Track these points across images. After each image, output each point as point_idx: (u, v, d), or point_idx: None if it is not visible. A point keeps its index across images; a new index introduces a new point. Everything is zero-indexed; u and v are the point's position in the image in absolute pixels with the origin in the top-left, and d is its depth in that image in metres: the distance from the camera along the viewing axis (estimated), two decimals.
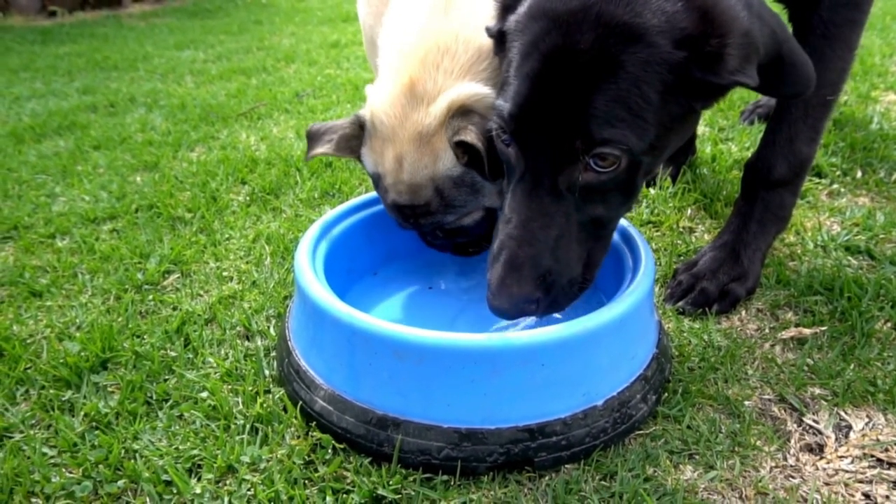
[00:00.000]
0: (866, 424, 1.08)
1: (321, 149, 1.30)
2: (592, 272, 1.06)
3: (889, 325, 1.29)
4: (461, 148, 1.19)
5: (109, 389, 1.20)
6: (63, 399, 1.18)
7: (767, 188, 1.39)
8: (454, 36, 1.23)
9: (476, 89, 1.21)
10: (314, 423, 1.06)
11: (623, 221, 1.27)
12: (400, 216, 1.30)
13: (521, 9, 1.02)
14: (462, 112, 1.20)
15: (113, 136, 2.53)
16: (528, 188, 1.00)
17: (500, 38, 1.07)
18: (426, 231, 1.36)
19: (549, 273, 0.99)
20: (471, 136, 1.15)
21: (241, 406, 1.13)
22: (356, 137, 1.30)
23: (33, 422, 1.14)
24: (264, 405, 1.11)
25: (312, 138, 1.33)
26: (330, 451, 1.03)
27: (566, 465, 1.00)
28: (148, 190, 2.01)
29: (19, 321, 1.40)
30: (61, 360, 1.25)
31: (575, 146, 0.94)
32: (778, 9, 1.38)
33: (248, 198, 1.95)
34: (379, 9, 1.45)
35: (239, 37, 4.41)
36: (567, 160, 0.96)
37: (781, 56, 0.99)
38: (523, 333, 0.97)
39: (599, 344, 1.00)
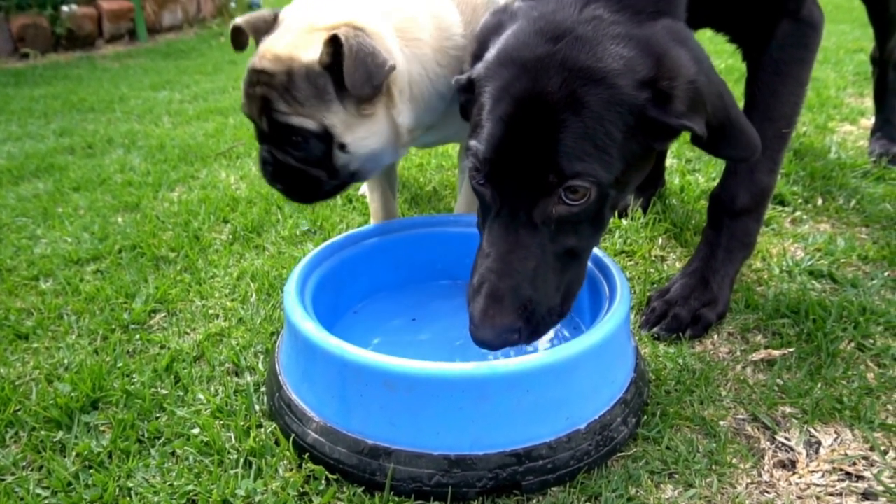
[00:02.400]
0: (835, 440, 1.13)
1: (239, 20, 1.41)
2: (569, 302, 1.12)
3: (852, 345, 1.36)
4: (331, 47, 1.24)
5: (101, 429, 1.22)
6: (54, 440, 1.19)
7: (732, 217, 1.47)
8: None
9: (383, 27, 1.31)
10: (307, 455, 1.08)
11: (598, 252, 1.33)
12: (247, 81, 1.32)
13: (489, 56, 1.09)
14: (355, 27, 1.26)
15: (92, 177, 2.55)
16: (504, 223, 1.05)
17: (468, 85, 1.14)
18: (254, 116, 1.35)
19: (530, 302, 1.04)
20: (349, 40, 1.22)
21: (233, 441, 1.15)
22: (268, 23, 1.39)
23: (24, 463, 1.15)
24: (257, 439, 1.14)
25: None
26: (323, 482, 1.05)
27: (552, 488, 1.04)
28: (130, 230, 2.03)
29: (6, 363, 1.41)
30: (51, 401, 1.27)
31: (548, 180, 1.00)
32: (732, 48, 1.48)
33: (230, 236, 1.98)
34: None
35: (214, 77, 4.46)
36: (541, 194, 1.02)
37: (730, 119, 1.08)
38: (508, 361, 1.02)
39: (581, 369, 1.05)
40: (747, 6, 1.36)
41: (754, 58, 1.40)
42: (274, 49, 1.30)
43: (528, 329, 1.05)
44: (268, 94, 1.29)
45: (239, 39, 1.43)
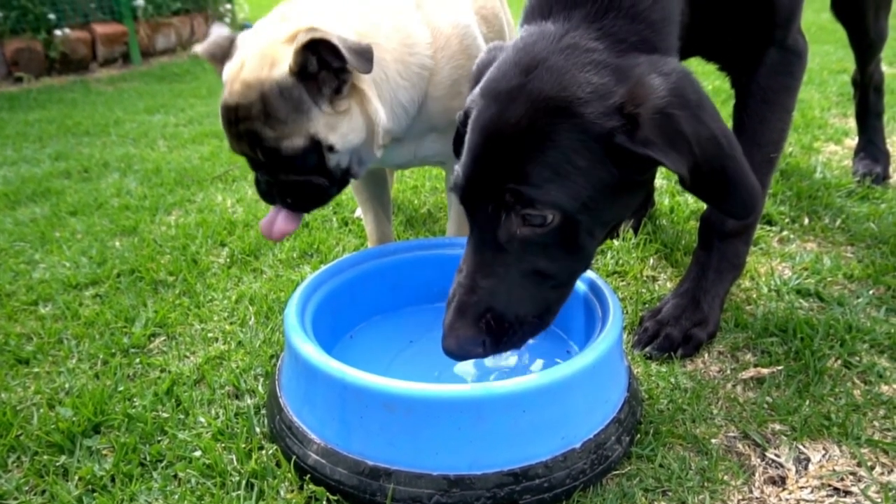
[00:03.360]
0: (823, 456, 1.16)
1: (197, 48, 1.45)
2: (548, 318, 1.15)
3: (839, 362, 1.39)
4: (308, 51, 1.27)
5: (103, 452, 1.23)
6: (57, 464, 1.20)
7: (722, 239, 1.50)
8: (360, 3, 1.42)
9: (340, 30, 1.33)
10: (308, 476, 1.10)
11: (591, 274, 1.36)
12: (225, 120, 1.35)
13: (476, 89, 1.14)
14: (312, 29, 1.29)
15: (89, 201, 2.57)
16: (475, 242, 1.10)
17: (464, 118, 1.18)
18: (246, 151, 1.37)
19: (493, 317, 1.08)
20: (323, 34, 1.25)
21: (235, 463, 1.17)
22: (224, 49, 1.41)
23: (27, 488, 1.17)
24: (258, 461, 1.16)
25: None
26: (324, 503, 1.07)
27: None
28: (128, 254, 2.05)
29: (7, 388, 1.42)
30: (53, 426, 1.28)
31: (508, 205, 1.04)
32: (721, 76, 1.52)
33: (228, 260, 2.00)
34: None
35: (208, 100, 4.50)
36: (503, 217, 1.06)
37: (725, 171, 1.04)
38: (505, 382, 1.04)
39: (575, 389, 1.08)
40: (736, 36, 1.39)
41: (742, 85, 1.45)
42: (240, 77, 1.32)
43: (493, 341, 1.09)
44: (251, 128, 1.32)
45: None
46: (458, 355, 1.09)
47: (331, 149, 1.36)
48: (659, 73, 1.02)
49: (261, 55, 1.32)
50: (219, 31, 1.48)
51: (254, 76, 1.30)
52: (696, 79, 1.04)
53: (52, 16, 5.36)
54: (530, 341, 1.16)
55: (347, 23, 1.39)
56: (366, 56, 1.29)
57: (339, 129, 1.36)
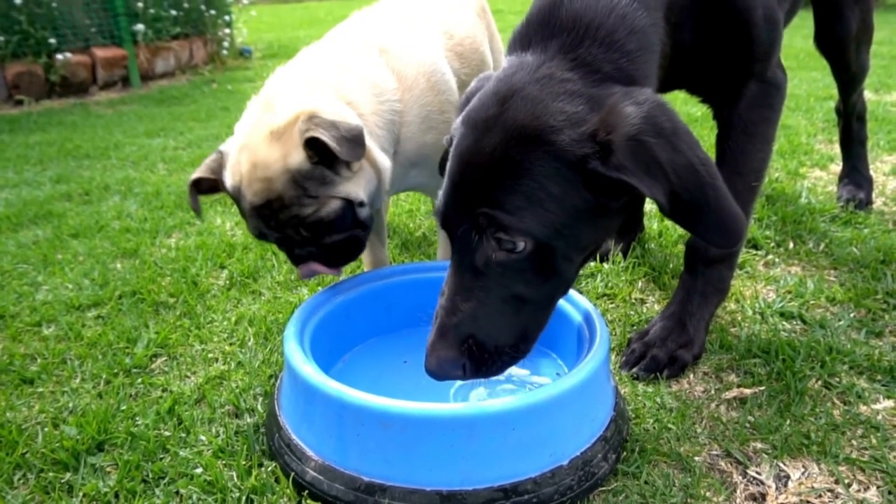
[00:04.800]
0: (802, 474, 1.21)
1: (190, 180, 1.47)
2: (527, 344, 1.17)
3: (819, 383, 1.44)
4: (311, 148, 1.35)
5: (107, 470, 1.27)
6: (62, 481, 1.24)
7: (707, 264, 1.56)
8: (310, 77, 1.47)
9: (326, 104, 1.41)
10: (306, 492, 1.15)
11: (579, 297, 1.41)
12: (260, 220, 1.41)
13: (459, 118, 1.19)
14: (310, 116, 1.36)
15: (90, 224, 2.62)
16: (455, 266, 1.14)
17: (449, 144, 1.23)
18: (289, 233, 1.43)
19: (473, 340, 1.11)
20: (319, 132, 1.32)
21: (235, 479, 1.21)
22: (217, 162, 1.46)
23: None
24: (258, 478, 1.20)
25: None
26: None
27: None
28: (130, 276, 2.10)
29: (13, 408, 1.46)
30: (58, 444, 1.32)
31: (483, 230, 1.08)
32: (704, 109, 1.59)
33: (227, 282, 2.05)
34: None
35: (207, 124, 4.57)
36: (478, 242, 1.09)
37: (706, 199, 1.04)
38: (495, 401, 1.09)
39: (563, 408, 1.13)
40: (717, 70, 1.45)
41: (724, 117, 1.51)
42: (257, 176, 1.37)
43: (474, 365, 1.12)
44: (291, 213, 1.39)
45: (200, 189, 1.50)
46: (439, 376, 1.13)
47: (360, 204, 1.46)
48: (632, 102, 1.04)
49: (267, 150, 1.37)
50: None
51: (273, 170, 1.36)
52: (672, 108, 1.07)
53: (52, 40, 5.44)
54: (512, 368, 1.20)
55: (325, 96, 1.45)
56: (357, 142, 1.36)
57: (362, 185, 1.45)
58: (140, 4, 6.04)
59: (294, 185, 1.37)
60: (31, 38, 5.36)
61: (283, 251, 1.51)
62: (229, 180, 1.43)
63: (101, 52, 5.93)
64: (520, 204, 1.05)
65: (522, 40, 1.19)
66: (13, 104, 5.39)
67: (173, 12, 6.44)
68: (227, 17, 7.37)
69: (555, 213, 1.06)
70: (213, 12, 6.99)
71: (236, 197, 1.43)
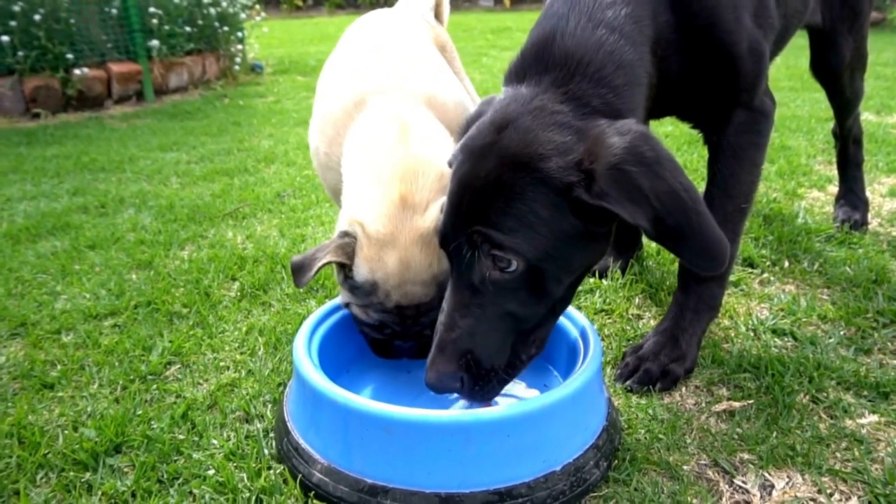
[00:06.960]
0: (786, 483, 1.26)
1: (322, 262, 1.37)
2: (517, 367, 1.25)
3: (807, 397, 1.50)
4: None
5: (124, 470, 1.34)
6: (82, 480, 1.31)
7: (699, 282, 1.62)
8: (418, 160, 1.49)
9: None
10: (312, 493, 1.21)
11: (575, 312, 1.48)
12: (398, 319, 1.44)
13: (458, 144, 1.27)
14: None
15: (106, 235, 2.70)
16: (455, 283, 1.22)
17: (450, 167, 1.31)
18: (415, 331, 1.48)
19: (471, 355, 1.18)
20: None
21: (245, 481, 1.27)
22: (350, 246, 1.43)
23: (55, 502, 1.27)
24: (267, 479, 1.26)
25: (299, 269, 1.40)
26: None
27: None
28: (145, 287, 2.17)
29: (35, 411, 1.54)
30: (77, 445, 1.39)
31: (479, 249, 1.16)
32: (694, 134, 1.66)
33: (238, 293, 2.12)
34: (335, 139, 1.68)
35: (219, 138, 4.66)
36: (475, 261, 1.17)
37: (690, 225, 1.09)
38: (491, 408, 1.16)
39: (556, 417, 1.19)
40: (704, 99, 1.52)
41: (713, 142, 1.58)
42: (413, 280, 1.40)
43: (471, 382, 1.20)
44: (431, 316, 1.42)
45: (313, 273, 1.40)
46: (438, 389, 1.21)
47: None
48: (616, 133, 1.11)
49: (421, 249, 1.40)
50: (305, 255, 1.46)
51: (427, 274, 1.41)
52: (655, 138, 1.13)
53: (70, 55, 5.57)
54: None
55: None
56: None
57: None
58: (155, 21, 6.17)
59: (438, 289, 1.41)
60: (50, 54, 5.49)
61: (381, 341, 1.53)
62: (365, 272, 1.41)
63: (116, 67, 6.05)
64: (512, 225, 1.13)
65: (518, 73, 1.28)
66: (30, 117, 5.51)
67: (187, 28, 6.57)
68: (239, 34, 7.50)
69: (545, 237, 1.13)
70: (226, 28, 7.12)
71: (369, 289, 1.42)
